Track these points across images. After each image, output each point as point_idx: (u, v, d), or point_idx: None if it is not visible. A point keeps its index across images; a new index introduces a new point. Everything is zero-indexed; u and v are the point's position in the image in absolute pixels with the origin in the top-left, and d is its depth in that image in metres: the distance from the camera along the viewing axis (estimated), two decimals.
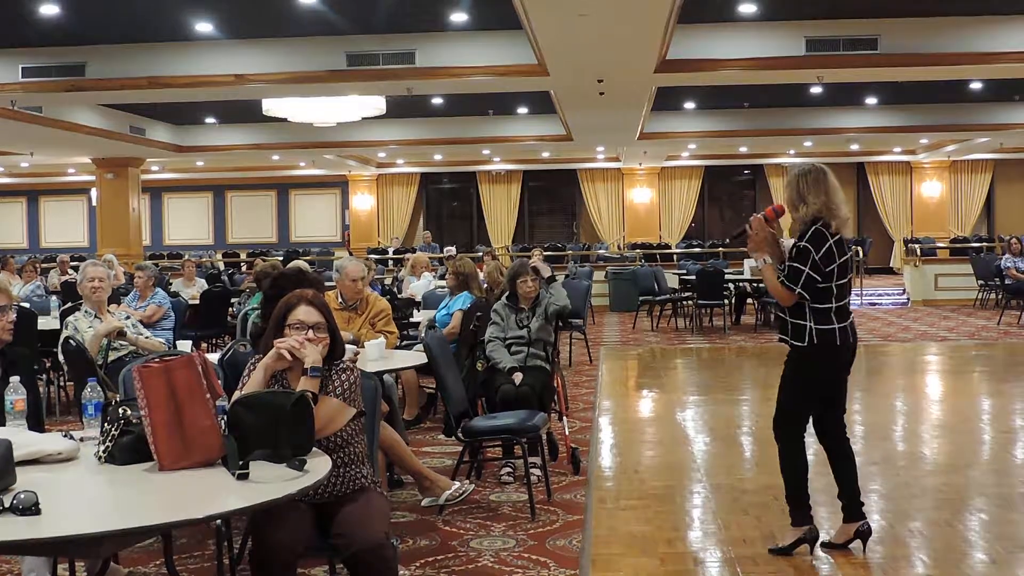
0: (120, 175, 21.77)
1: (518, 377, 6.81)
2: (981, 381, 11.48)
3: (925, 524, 5.60)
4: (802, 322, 4.98)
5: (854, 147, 25.06)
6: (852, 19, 12.57)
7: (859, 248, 22.86)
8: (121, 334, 7.46)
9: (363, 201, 28.69)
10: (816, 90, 17.32)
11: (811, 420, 5.15)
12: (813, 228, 4.97)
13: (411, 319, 10.37)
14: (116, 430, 3.56)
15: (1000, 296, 18.07)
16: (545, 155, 26.25)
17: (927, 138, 23.31)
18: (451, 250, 19.16)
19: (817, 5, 12.35)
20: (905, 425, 8.96)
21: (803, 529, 5.04)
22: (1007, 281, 16.66)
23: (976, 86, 17.57)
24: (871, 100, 19.44)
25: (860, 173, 27.92)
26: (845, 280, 5.02)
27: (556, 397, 7.25)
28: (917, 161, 27.00)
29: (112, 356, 7.44)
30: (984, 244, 24.43)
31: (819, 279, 4.92)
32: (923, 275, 20.65)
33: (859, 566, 4.92)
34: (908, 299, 20.63)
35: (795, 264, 4.94)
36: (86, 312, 7.49)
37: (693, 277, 16.39)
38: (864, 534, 5.06)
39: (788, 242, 5.16)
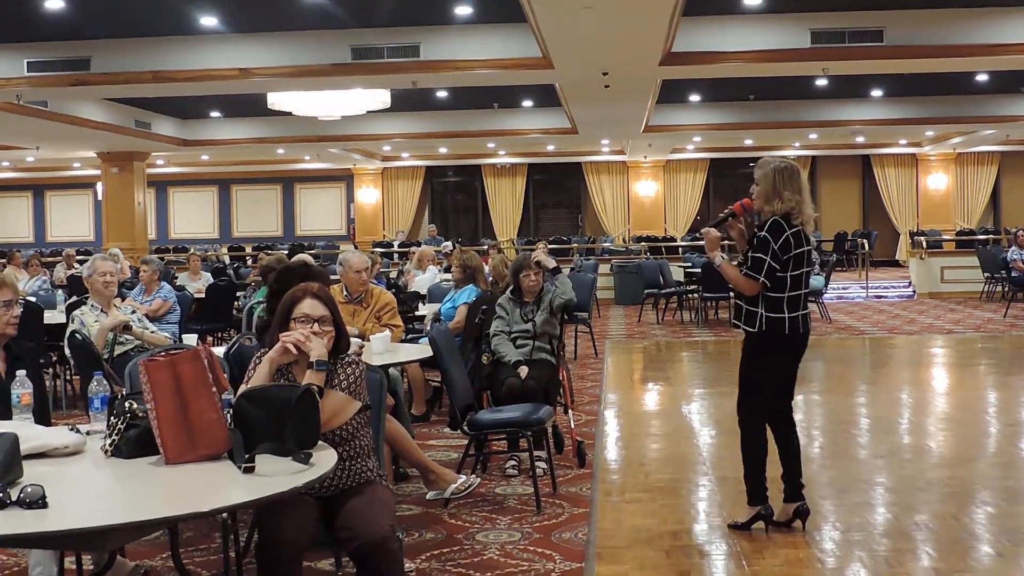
0: (125, 169, 21.78)
1: (523, 371, 6.81)
2: (987, 374, 11.47)
3: (931, 517, 5.59)
4: (754, 308, 5.16)
5: (860, 139, 25.04)
6: (857, 11, 12.55)
7: (864, 240, 22.87)
8: (127, 328, 7.47)
9: (368, 195, 28.71)
10: (821, 82, 17.29)
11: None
12: (772, 219, 5.11)
13: (416, 312, 10.37)
14: (122, 424, 3.58)
15: (1006, 288, 18.04)
16: (550, 148, 26.23)
17: (933, 130, 23.27)
18: (448, 245, 19.16)
19: None
20: (911, 418, 8.95)
21: (758, 508, 5.23)
22: (1013, 273, 16.65)
23: (982, 78, 17.53)
24: (877, 92, 19.41)
25: (866, 165, 27.88)
26: (800, 272, 5.14)
27: (561, 390, 7.25)
28: (923, 153, 26.96)
29: (118, 350, 7.46)
30: (990, 236, 24.37)
31: (777, 268, 5.09)
32: (929, 268, 20.62)
33: (865, 559, 4.92)
34: (914, 292, 20.61)
35: (757, 254, 5.11)
36: (92, 306, 7.50)
37: (698, 270, 16.35)
38: (803, 513, 5.25)
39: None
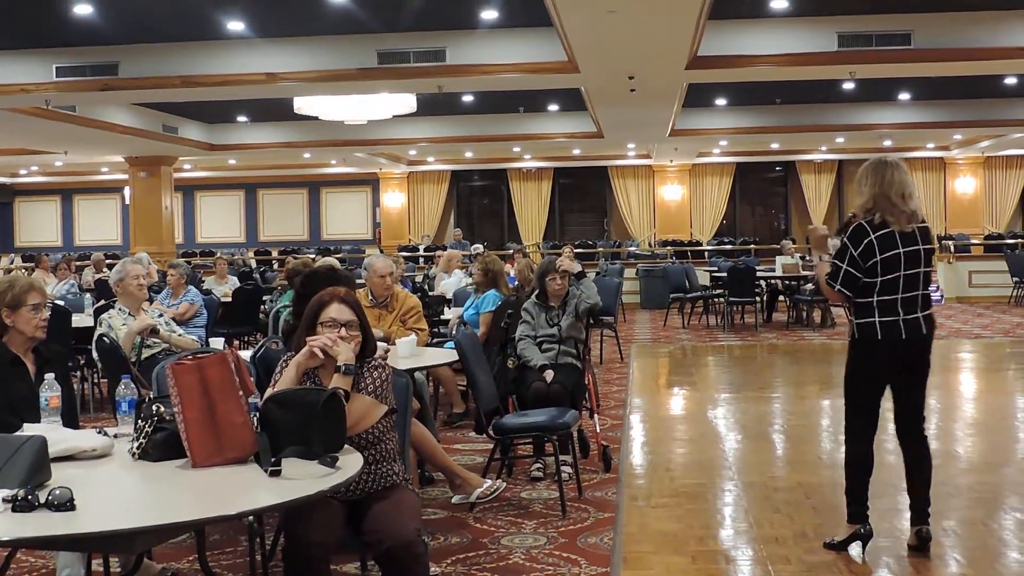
0: (153, 173, 21.92)
1: (549, 375, 6.80)
2: (1016, 379, 11.38)
3: (959, 523, 5.55)
4: (850, 316, 5.01)
5: (887, 143, 24.86)
6: (885, 14, 12.48)
7: None
8: (154, 332, 7.51)
9: (394, 199, 28.76)
10: (849, 86, 17.20)
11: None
12: (856, 224, 4.92)
13: (442, 316, 10.38)
14: (150, 427, 3.60)
15: None
16: (576, 152, 26.21)
17: (961, 134, 23.09)
18: (479, 247, 19.19)
19: (849, 0, 12.27)
20: (939, 423, 8.87)
21: (856, 527, 5.02)
22: None
23: (1011, 81, 17.39)
24: (904, 96, 19.29)
25: None
26: (894, 275, 4.88)
27: (587, 395, 7.24)
28: (951, 157, 26.76)
29: (145, 353, 7.50)
30: (1019, 241, 24.16)
31: (859, 275, 4.89)
32: (957, 272, 20.47)
33: (893, 565, 4.89)
34: (942, 296, 20.45)
35: (835, 260, 4.95)
36: (120, 310, 7.55)
37: (724, 274, 16.34)
38: (923, 539, 4.99)
39: (834, 241, 5.14)
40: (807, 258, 18.31)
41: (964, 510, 5.83)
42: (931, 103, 19.83)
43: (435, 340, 8.72)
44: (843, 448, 5.15)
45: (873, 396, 5.07)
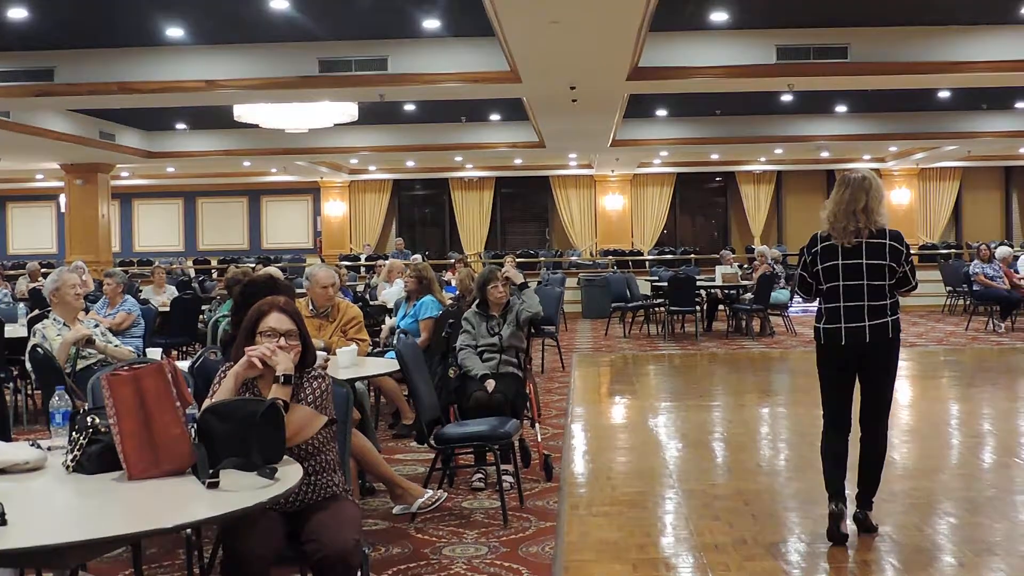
0: (89, 181, 21.61)
1: (490, 384, 6.80)
2: (949, 386, 11.56)
3: (894, 528, 5.62)
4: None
5: (824, 154, 25.25)
6: (822, 28, 12.69)
7: None
8: (90, 342, 7.40)
9: (335, 208, 28.63)
10: (787, 98, 17.45)
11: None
12: (815, 233, 5.39)
13: (383, 326, 10.34)
14: (84, 439, 3.54)
15: (968, 302, 18.23)
16: (517, 162, 26.29)
17: (896, 146, 23.51)
18: (417, 258, 19.16)
19: (788, 14, 12.45)
20: None
21: (829, 506, 5.28)
22: (975, 287, 16.80)
23: (944, 95, 17.74)
24: (841, 108, 19.59)
25: (830, 180, 28.06)
26: (834, 284, 5.26)
27: (528, 404, 7.25)
28: (886, 168, 27.21)
29: (81, 364, 7.39)
30: (952, 251, 24.64)
31: (810, 281, 5.36)
32: None
33: (830, 571, 4.94)
34: None
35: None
36: (54, 319, 7.43)
37: (665, 284, 16.43)
38: (858, 522, 5.37)
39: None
40: (745, 267, 18.54)
41: (899, 515, 5.91)
42: (867, 115, 20.16)
43: (376, 350, 8.69)
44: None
45: (832, 392, 5.40)
